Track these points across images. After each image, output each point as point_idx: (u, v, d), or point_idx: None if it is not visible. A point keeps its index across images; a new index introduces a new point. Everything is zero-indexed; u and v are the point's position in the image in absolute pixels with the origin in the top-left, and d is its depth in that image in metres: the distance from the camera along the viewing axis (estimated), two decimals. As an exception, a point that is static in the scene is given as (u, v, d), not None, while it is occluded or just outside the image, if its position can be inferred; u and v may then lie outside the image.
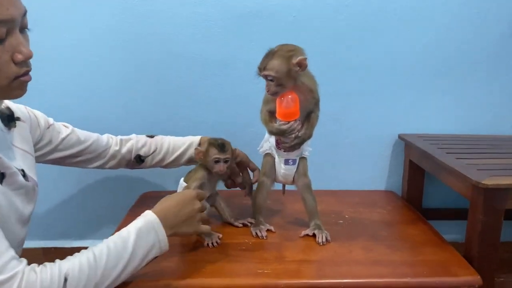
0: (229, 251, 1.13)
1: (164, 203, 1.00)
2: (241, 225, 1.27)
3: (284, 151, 1.17)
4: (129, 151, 1.29)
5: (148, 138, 1.33)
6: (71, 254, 0.88)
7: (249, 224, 1.26)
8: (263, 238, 1.19)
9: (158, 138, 1.34)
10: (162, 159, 1.32)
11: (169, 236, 0.96)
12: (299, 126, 1.12)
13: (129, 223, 1.28)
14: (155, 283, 0.99)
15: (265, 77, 1.07)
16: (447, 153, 1.36)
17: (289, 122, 1.09)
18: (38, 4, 1.48)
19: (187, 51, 1.55)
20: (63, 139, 1.16)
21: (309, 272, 1.04)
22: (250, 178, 1.32)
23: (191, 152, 1.31)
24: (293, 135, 1.11)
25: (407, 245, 1.19)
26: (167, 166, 1.35)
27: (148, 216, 0.95)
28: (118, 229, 1.25)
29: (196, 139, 1.33)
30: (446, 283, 1.03)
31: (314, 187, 1.22)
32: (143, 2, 1.51)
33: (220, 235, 1.19)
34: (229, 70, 1.57)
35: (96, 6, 1.50)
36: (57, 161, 1.19)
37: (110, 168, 1.30)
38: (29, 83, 0.91)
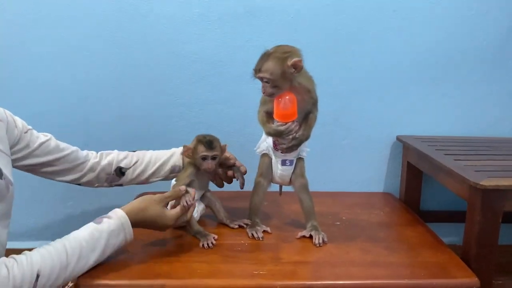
0: (224, 252, 1.12)
1: (141, 216, 1.04)
2: (236, 226, 1.26)
3: (281, 152, 1.16)
4: (110, 164, 1.25)
5: (130, 152, 1.30)
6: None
7: (244, 226, 1.25)
8: (259, 239, 1.18)
9: (140, 152, 1.31)
10: (144, 171, 1.28)
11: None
12: (297, 127, 1.11)
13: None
14: (151, 283, 0.98)
15: (260, 79, 1.07)
16: (445, 154, 1.36)
17: (286, 123, 1.08)
18: (36, 3, 1.49)
19: (185, 51, 1.55)
20: (41, 143, 1.13)
21: (305, 273, 1.03)
22: (240, 169, 1.28)
23: (174, 160, 1.29)
24: (291, 136, 1.10)
25: (404, 247, 1.18)
26: (148, 179, 1.30)
27: (122, 220, 1.01)
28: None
29: (179, 149, 1.30)
30: (444, 285, 1.02)
31: (311, 188, 1.21)
32: (141, 2, 1.51)
33: (216, 236, 1.18)
34: (227, 70, 1.57)
35: (93, 5, 1.50)
36: (32, 168, 1.14)
37: (88, 183, 1.24)
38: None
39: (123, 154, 1.28)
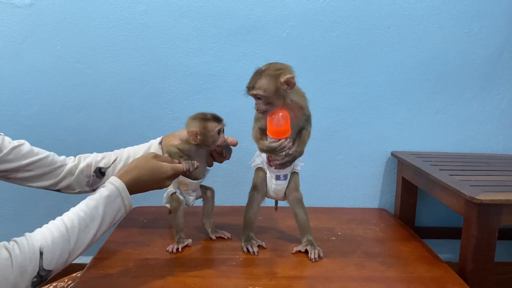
0: (219, 266, 1.10)
1: (136, 173, 1.01)
2: (214, 237, 1.26)
3: (275, 168, 1.15)
4: (89, 165, 1.20)
5: (107, 152, 1.26)
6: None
7: (225, 237, 1.25)
8: (254, 253, 1.16)
9: (118, 150, 1.27)
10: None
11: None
12: (290, 144, 1.10)
13: (117, 238, 1.27)
14: (142, 298, 0.96)
15: (254, 96, 1.07)
16: (440, 169, 1.36)
17: (279, 139, 1.08)
18: (32, 15, 1.49)
19: (181, 64, 1.55)
20: (14, 148, 1.08)
21: (301, 289, 1.02)
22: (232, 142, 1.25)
23: (153, 150, 1.23)
24: (284, 153, 1.10)
25: (400, 262, 1.17)
26: None
27: (115, 184, 0.98)
28: (106, 244, 1.24)
29: (156, 140, 1.26)
30: (440, 300, 1.01)
31: (306, 203, 1.20)
32: (138, 16, 1.52)
33: (190, 243, 1.20)
34: (222, 85, 1.57)
35: (90, 19, 1.51)
36: (5, 173, 1.10)
37: (67, 188, 1.19)
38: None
39: (101, 155, 1.24)
